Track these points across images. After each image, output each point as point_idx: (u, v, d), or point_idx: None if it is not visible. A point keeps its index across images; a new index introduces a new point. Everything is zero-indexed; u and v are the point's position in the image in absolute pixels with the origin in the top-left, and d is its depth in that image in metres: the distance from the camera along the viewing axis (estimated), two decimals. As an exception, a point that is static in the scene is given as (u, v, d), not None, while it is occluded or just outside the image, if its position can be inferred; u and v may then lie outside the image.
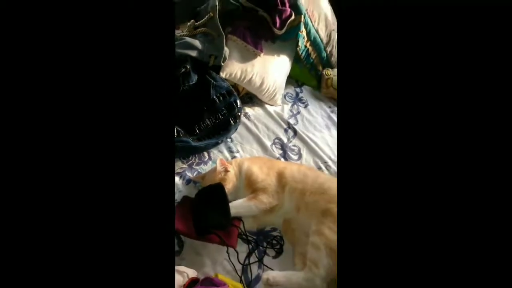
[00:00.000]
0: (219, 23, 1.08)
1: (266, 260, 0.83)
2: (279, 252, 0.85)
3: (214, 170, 0.91)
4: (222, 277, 0.73)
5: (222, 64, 1.11)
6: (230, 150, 1.11)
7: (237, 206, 0.84)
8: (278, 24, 1.15)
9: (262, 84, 1.21)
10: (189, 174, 1.00)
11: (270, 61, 1.23)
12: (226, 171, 0.90)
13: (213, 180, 0.88)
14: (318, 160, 1.13)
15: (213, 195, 0.84)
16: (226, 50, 1.10)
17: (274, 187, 0.87)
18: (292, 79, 1.43)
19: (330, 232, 0.72)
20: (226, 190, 0.87)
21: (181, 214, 0.85)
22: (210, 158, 1.07)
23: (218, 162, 0.90)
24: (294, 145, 1.18)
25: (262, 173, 0.90)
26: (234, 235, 0.82)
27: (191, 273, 0.74)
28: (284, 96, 1.37)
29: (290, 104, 1.35)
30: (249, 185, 0.89)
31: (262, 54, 1.17)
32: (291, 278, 0.72)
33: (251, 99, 1.33)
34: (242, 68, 1.15)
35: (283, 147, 1.16)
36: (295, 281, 0.72)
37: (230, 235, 0.81)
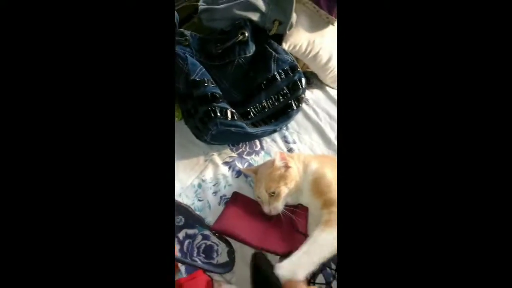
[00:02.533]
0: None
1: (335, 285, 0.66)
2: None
3: (270, 164, 0.73)
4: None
5: (287, 32, 0.89)
6: (286, 140, 0.92)
7: (320, 246, 0.59)
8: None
9: (329, 61, 0.99)
10: (239, 165, 0.84)
11: (342, 33, 0.99)
12: (287, 167, 0.72)
13: (269, 176, 0.71)
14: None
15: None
16: (294, 15, 0.87)
17: None
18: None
19: None
20: (287, 190, 0.69)
21: (233, 214, 0.69)
22: (262, 147, 0.89)
23: (277, 156, 0.71)
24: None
25: (336, 178, 0.71)
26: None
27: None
28: (349, 79, 1.14)
29: (355, 89, 1.13)
30: (319, 192, 0.70)
31: (335, 22, 0.94)
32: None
33: (308, 79, 1.11)
34: (310, 39, 0.93)
35: (349, 141, 0.95)
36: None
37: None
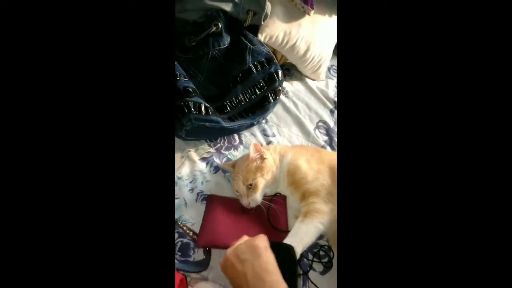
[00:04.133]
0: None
1: (313, 275, 0.66)
2: (327, 267, 0.68)
3: (246, 157, 0.72)
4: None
5: (262, 23, 0.87)
6: (265, 133, 0.91)
7: (301, 238, 0.61)
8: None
9: (307, 51, 0.98)
10: (217, 161, 0.82)
11: (319, 22, 0.98)
12: (263, 158, 0.71)
13: (246, 169, 0.70)
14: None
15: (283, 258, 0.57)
16: (268, 5, 0.85)
17: (328, 188, 0.68)
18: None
19: None
20: (264, 181, 0.69)
21: (213, 221, 0.67)
22: (241, 142, 0.88)
23: (251, 147, 0.70)
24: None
25: (311, 169, 0.71)
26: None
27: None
28: (329, 70, 1.13)
29: (335, 79, 1.12)
30: (295, 184, 0.70)
31: (312, 12, 0.92)
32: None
33: (288, 71, 1.10)
34: (286, 30, 0.91)
35: (328, 132, 0.95)
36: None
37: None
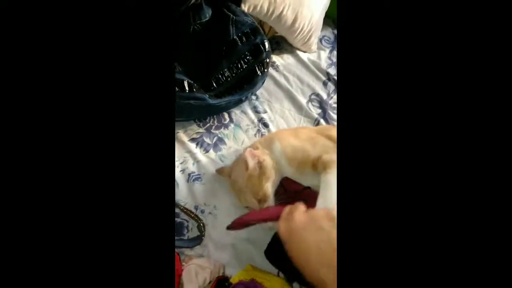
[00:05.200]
0: None
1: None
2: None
3: (242, 164, 0.64)
4: (260, 275, 0.55)
5: (244, -9, 0.82)
6: (256, 110, 0.88)
7: (331, 191, 0.56)
8: None
9: (295, 21, 0.93)
10: (207, 140, 0.80)
11: (306, -12, 0.92)
12: (261, 162, 0.63)
13: (250, 182, 0.61)
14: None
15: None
16: (248, -30, 0.80)
17: (330, 145, 0.63)
18: (329, 19, 1.12)
19: None
20: (271, 183, 0.62)
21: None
22: (231, 120, 0.85)
23: (247, 156, 0.62)
24: (336, 102, 0.93)
25: (304, 140, 0.67)
26: None
27: (217, 268, 0.58)
28: (320, 40, 1.08)
29: (328, 50, 1.07)
30: (301, 164, 0.63)
31: (296, -23, 0.86)
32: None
33: (278, 44, 1.05)
34: (270, -2, 0.86)
35: (322, 104, 0.91)
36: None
37: None
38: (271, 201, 0.62)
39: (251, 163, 0.62)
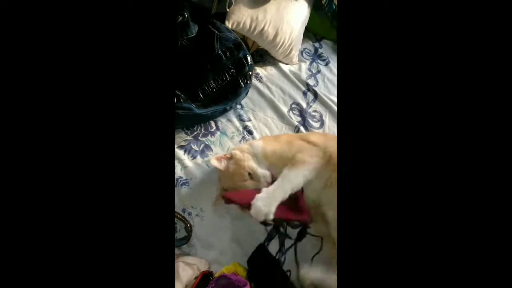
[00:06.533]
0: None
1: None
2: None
3: (218, 171, 0.73)
4: (243, 271, 0.61)
5: (228, 10, 0.89)
6: (241, 119, 0.94)
7: (290, 183, 0.63)
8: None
9: (276, 36, 1.00)
10: (194, 147, 0.85)
11: (285, 6, 1.00)
12: (229, 158, 0.71)
13: (233, 172, 0.69)
14: (344, 127, 0.96)
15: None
16: (232, -9, 0.87)
17: (307, 147, 0.70)
18: (310, 33, 1.21)
19: None
20: (254, 162, 0.70)
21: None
22: (218, 128, 0.91)
23: (214, 163, 0.71)
24: (315, 111, 1.01)
25: (283, 143, 0.74)
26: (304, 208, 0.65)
27: (203, 265, 0.62)
28: (301, 53, 1.16)
29: (308, 62, 1.15)
30: (276, 159, 0.71)
31: (276, -3, 0.94)
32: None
33: (262, 57, 1.13)
34: (252, 16, 0.93)
35: (302, 113, 0.98)
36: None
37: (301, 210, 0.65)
38: (265, 174, 0.69)
39: (221, 165, 0.70)
